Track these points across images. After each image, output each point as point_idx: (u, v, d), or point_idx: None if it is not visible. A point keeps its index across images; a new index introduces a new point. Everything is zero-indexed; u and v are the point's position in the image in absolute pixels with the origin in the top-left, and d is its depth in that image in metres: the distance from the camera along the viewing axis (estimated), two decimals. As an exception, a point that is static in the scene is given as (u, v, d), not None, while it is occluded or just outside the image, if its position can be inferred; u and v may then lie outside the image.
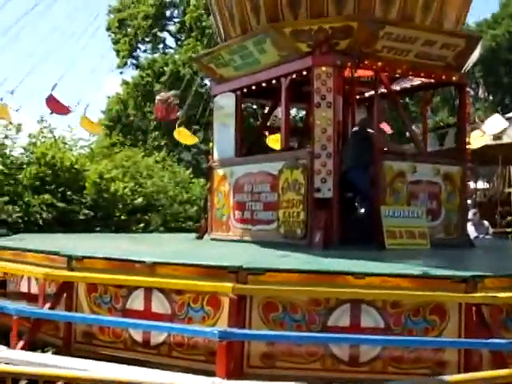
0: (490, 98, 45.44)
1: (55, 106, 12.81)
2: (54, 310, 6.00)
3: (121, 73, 35.67)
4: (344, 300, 5.32)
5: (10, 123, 16.10)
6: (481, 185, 30.28)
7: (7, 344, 5.72)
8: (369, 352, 5.25)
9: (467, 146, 9.66)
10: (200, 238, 10.21)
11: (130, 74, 35.05)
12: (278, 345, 5.27)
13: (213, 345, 5.17)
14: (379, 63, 8.65)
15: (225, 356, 5.05)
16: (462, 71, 9.30)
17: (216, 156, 10.09)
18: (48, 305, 6.06)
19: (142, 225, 16.82)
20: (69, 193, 15.65)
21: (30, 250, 6.96)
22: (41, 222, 14.29)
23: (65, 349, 5.96)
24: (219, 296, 5.40)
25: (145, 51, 35.89)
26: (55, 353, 5.95)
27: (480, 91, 35.75)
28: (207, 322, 5.45)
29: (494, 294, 5.30)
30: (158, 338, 5.62)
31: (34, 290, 6.71)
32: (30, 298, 6.73)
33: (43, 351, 5.96)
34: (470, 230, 13.61)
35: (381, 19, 8.42)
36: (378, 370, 5.25)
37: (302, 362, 5.27)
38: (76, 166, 16.58)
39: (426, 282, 5.39)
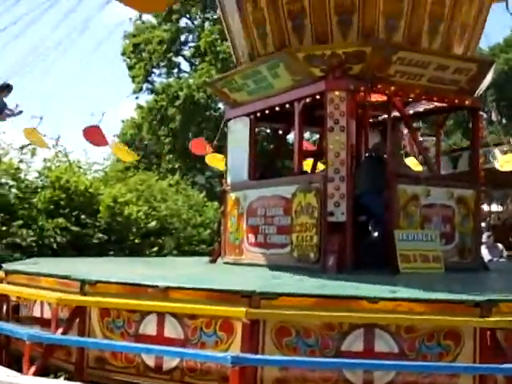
0: (504, 121, 45.44)
1: None
2: (67, 335, 5.99)
3: (136, 98, 35.93)
4: (358, 325, 5.29)
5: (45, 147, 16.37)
6: (494, 208, 30.12)
7: (19, 369, 5.70)
8: (383, 377, 5.20)
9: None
10: (213, 261, 10.20)
11: (145, 98, 35.28)
12: (292, 370, 5.24)
13: (226, 370, 5.14)
14: (392, 88, 8.66)
15: (238, 381, 5.02)
16: (475, 95, 9.30)
17: (229, 180, 10.10)
18: (61, 330, 6.04)
19: (155, 248, 16.83)
20: (83, 216, 15.70)
21: (42, 275, 6.97)
22: (55, 245, 14.32)
23: (77, 374, 5.94)
24: (232, 321, 5.37)
25: (159, 75, 36.13)
26: (67, 378, 5.93)
27: (493, 115, 35.77)
28: (220, 347, 5.43)
29: (509, 319, 5.27)
30: (170, 363, 5.59)
31: (47, 314, 6.69)
32: (43, 322, 6.72)
33: (56, 377, 5.94)
34: (484, 253, 13.54)
35: (394, 44, 8.46)
36: (393, 394, 5.22)
37: (315, 386, 5.26)
38: (90, 190, 16.64)
39: (440, 306, 5.36)
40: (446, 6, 8.69)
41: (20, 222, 14.24)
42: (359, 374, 5.21)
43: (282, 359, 5.25)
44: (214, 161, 16.90)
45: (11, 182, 15.63)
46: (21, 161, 16.49)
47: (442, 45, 8.94)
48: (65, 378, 5.99)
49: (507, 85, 45.64)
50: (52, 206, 15.53)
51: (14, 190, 15.42)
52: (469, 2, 8.99)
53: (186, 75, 35.06)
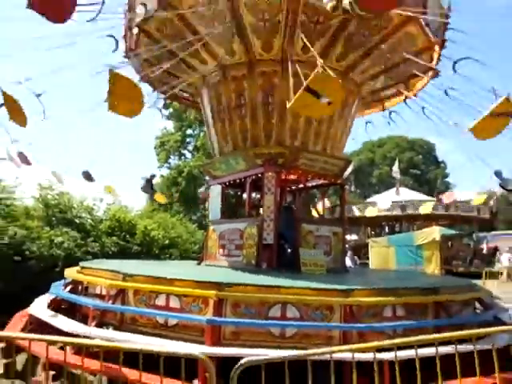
0: (358, 191, 46.71)
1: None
2: (114, 305, 5.83)
3: (160, 170, 35.87)
4: (278, 301, 5.27)
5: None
6: (354, 237, 30.63)
7: (86, 323, 5.54)
8: (291, 331, 5.19)
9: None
10: (199, 264, 10.01)
11: (165, 171, 35.17)
12: (241, 327, 5.19)
13: (203, 326, 5.11)
14: (299, 171, 8.81)
15: (210, 333, 4.97)
16: (343, 177, 9.51)
17: (210, 217, 10.02)
18: (110, 301, 5.88)
19: (167, 256, 16.57)
20: (127, 236, 15.43)
21: (102, 269, 6.76)
22: (110, 252, 14.02)
23: (119, 326, 5.75)
24: (208, 298, 5.30)
25: (173, 159, 36.07)
26: (114, 329, 5.71)
27: (352, 187, 36.97)
28: (201, 313, 5.34)
29: (359, 299, 5.33)
30: (172, 321, 5.48)
31: (103, 292, 6.50)
32: (101, 297, 6.50)
33: (107, 328, 5.72)
34: (347, 262, 13.65)
35: (299, 148, 8.52)
36: (296, 341, 5.16)
37: (254, 336, 5.18)
38: (132, 222, 16.42)
39: (323, 292, 5.38)
40: (322, 132, 8.83)
41: (91, 238, 13.93)
42: (278, 330, 5.18)
43: (235, 321, 5.19)
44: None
45: (88, 216, 15.36)
46: (94, 204, 16.24)
47: (325, 149, 9.00)
48: (112, 329, 5.75)
49: (359, 172, 47.10)
50: (110, 230, 15.25)
51: (89, 221, 15.11)
52: (335, 128, 9.09)
53: (189, 160, 35.01)
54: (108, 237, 14.76)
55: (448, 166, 54.65)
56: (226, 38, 7.87)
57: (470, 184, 79.12)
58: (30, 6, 4.43)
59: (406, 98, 9.98)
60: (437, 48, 8.48)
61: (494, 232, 33.55)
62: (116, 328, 5.73)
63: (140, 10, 7.61)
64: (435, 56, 8.69)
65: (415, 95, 9.85)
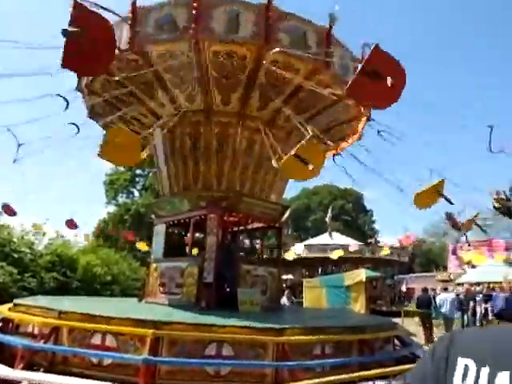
0: (294, 233, 47.47)
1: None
2: (46, 344, 5.31)
3: (106, 207, 34.47)
4: (214, 340, 5.10)
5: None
6: (290, 276, 30.73)
7: (11, 365, 4.95)
8: (226, 370, 5.01)
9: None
10: (140, 301, 9.49)
11: (112, 208, 33.80)
12: (177, 366, 4.92)
13: (139, 365, 4.76)
14: (240, 214, 8.80)
15: (145, 372, 4.66)
16: (281, 221, 9.58)
17: (153, 256, 9.63)
18: (43, 340, 5.36)
19: (109, 292, 15.58)
20: (68, 272, 14.43)
21: (36, 306, 6.19)
22: (49, 288, 12.97)
23: (50, 368, 5.20)
24: (144, 337, 5.00)
25: (121, 197, 34.89)
26: (44, 371, 5.15)
27: (289, 230, 37.63)
28: (137, 352, 5.02)
29: (291, 338, 5.28)
30: (107, 361, 5.09)
31: (36, 331, 5.91)
32: (33, 336, 5.90)
33: (36, 370, 5.15)
34: (284, 300, 13.54)
35: (241, 193, 8.58)
36: (230, 379, 4.99)
37: (189, 375, 4.96)
38: (74, 257, 15.47)
39: (257, 331, 5.29)
40: (267, 180, 9.00)
41: (30, 273, 12.86)
42: (212, 368, 4.98)
43: (171, 360, 4.93)
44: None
45: (28, 250, 14.23)
46: (36, 239, 15.20)
47: (266, 195, 9.12)
48: (42, 371, 5.18)
49: (297, 217, 48.10)
50: (50, 265, 14.19)
51: (28, 255, 13.98)
52: (279, 178, 9.24)
53: (136, 198, 34.02)
54: (47, 272, 13.70)
55: (374, 214, 57.37)
56: (187, 87, 7.88)
57: (392, 229, 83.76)
58: (64, 65, 4.16)
59: (334, 155, 10.50)
60: (364, 119, 9.14)
61: (411, 274, 35.38)
62: (46, 370, 5.19)
63: None
64: (361, 124, 9.36)
65: (339, 154, 10.42)
